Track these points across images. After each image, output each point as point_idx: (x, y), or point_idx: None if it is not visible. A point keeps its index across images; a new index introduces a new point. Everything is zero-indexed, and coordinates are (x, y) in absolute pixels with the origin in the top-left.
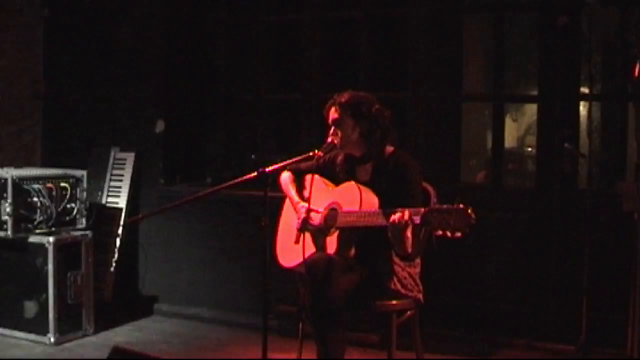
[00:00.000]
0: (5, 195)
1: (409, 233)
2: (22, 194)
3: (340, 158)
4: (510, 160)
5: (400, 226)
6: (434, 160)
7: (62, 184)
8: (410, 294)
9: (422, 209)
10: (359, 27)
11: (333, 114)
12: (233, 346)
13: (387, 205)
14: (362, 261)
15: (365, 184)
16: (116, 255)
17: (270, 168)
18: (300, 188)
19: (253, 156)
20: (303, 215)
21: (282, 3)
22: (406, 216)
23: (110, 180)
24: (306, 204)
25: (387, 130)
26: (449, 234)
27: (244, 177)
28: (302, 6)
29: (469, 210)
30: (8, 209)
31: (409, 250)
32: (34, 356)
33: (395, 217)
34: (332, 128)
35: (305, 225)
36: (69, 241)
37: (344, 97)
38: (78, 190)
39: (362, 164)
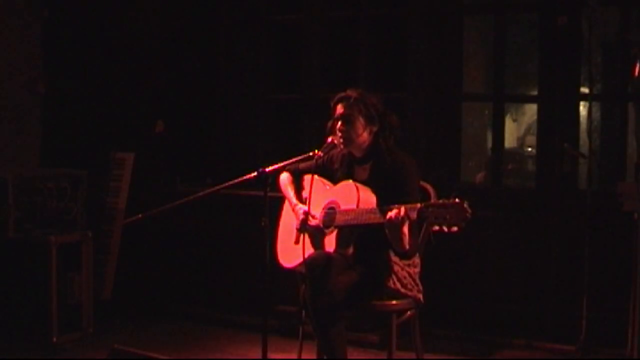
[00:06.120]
0: (5, 195)
1: (405, 229)
2: (23, 194)
3: (339, 157)
4: (510, 160)
5: (397, 222)
6: (434, 160)
7: (62, 184)
8: (409, 293)
9: (418, 205)
10: (359, 27)
11: (343, 109)
12: (233, 346)
13: (385, 203)
14: (361, 260)
15: (363, 182)
16: (116, 256)
17: (270, 168)
18: (298, 189)
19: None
20: (301, 217)
21: (283, 3)
22: (402, 212)
23: (110, 180)
24: (304, 206)
25: (398, 136)
26: (445, 228)
27: (244, 177)
28: (303, 6)
29: (465, 205)
30: (8, 209)
31: (407, 246)
32: (34, 356)
33: (392, 213)
34: (339, 122)
35: (304, 227)
36: (69, 241)
37: (356, 95)
38: (78, 190)
39: (362, 164)
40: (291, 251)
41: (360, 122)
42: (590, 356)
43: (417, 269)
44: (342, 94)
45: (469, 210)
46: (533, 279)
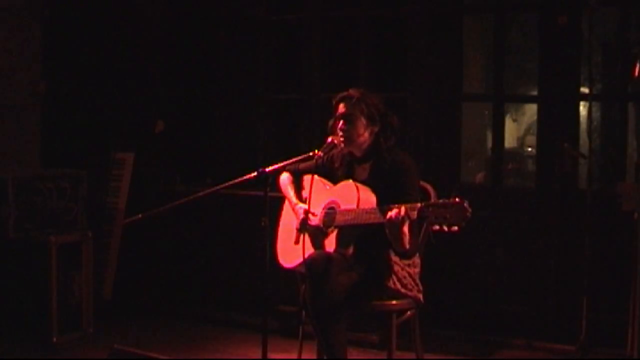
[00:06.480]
0: (5, 195)
1: (406, 229)
2: (23, 194)
3: (339, 157)
4: (510, 160)
5: (397, 222)
6: (434, 160)
7: (62, 184)
8: (409, 293)
9: (419, 204)
10: (359, 27)
11: (345, 108)
12: (233, 346)
13: (385, 203)
14: (361, 260)
15: (363, 182)
16: (116, 255)
17: (270, 168)
18: (298, 189)
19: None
20: (302, 216)
21: (283, 2)
22: (402, 212)
23: (110, 180)
24: (304, 205)
25: (399, 137)
26: (445, 228)
27: (244, 177)
28: (303, 6)
29: (465, 204)
30: (8, 209)
31: (407, 246)
32: (34, 356)
33: (392, 213)
34: (341, 122)
35: (304, 226)
36: (69, 241)
37: (358, 94)
38: (78, 190)
39: (362, 163)
40: (291, 251)
41: (362, 122)
42: (590, 356)
43: (417, 269)
44: (344, 94)
45: (469, 210)
46: (533, 279)
